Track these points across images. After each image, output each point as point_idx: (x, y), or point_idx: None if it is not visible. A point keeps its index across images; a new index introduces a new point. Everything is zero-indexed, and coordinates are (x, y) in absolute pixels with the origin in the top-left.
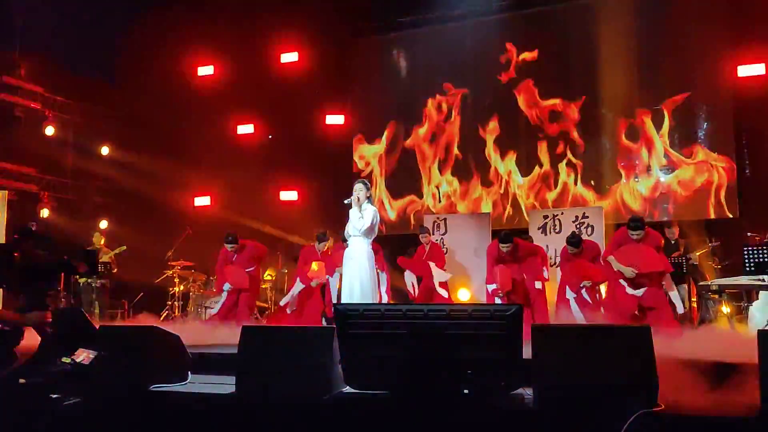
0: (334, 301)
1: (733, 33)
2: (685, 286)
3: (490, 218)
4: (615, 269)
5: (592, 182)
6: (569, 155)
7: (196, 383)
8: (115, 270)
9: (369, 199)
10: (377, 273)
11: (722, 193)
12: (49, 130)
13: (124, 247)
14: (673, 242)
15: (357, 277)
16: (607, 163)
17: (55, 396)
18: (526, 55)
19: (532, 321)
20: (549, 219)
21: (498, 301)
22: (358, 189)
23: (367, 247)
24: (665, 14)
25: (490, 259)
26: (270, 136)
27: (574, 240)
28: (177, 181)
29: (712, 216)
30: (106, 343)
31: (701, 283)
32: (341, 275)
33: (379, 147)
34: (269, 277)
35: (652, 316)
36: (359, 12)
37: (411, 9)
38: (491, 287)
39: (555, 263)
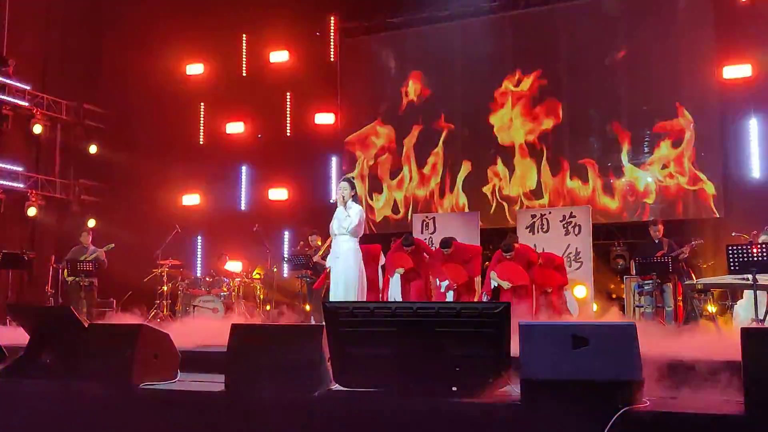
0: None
1: (719, 34)
2: (670, 284)
3: (479, 217)
4: (495, 283)
5: (580, 182)
6: (556, 154)
7: (186, 381)
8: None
9: (354, 197)
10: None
11: (708, 193)
12: (37, 129)
13: (112, 245)
14: (657, 241)
15: (342, 276)
16: (595, 162)
17: None
18: (515, 56)
19: None
20: (537, 218)
21: (450, 295)
22: (344, 188)
23: (353, 246)
24: (651, 16)
25: (438, 261)
26: (259, 135)
27: (506, 245)
28: (165, 180)
29: (698, 216)
30: (94, 340)
31: (687, 282)
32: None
33: (369, 146)
34: (258, 276)
35: None
36: (349, 12)
37: (401, 9)
38: (444, 284)
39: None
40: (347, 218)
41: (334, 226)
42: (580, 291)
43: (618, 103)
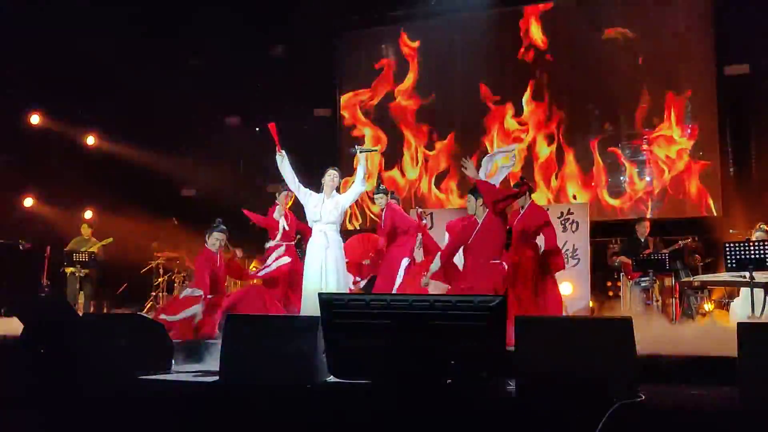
0: None
1: (718, 32)
2: (648, 279)
3: None
4: None
5: (577, 179)
6: (554, 150)
7: (180, 372)
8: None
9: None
10: None
11: (706, 192)
12: (34, 119)
13: (111, 240)
14: (643, 240)
15: (333, 266)
16: (593, 159)
17: None
18: (515, 51)
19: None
20: None
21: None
22: (334, 175)
23: (339, 236)
24: (650, 14)
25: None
26: (257, 129)
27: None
28: (163, 172)
29: (697, 214)
30: (88, 331)
31: (683, 279)
32: None
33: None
34: (253, 269)
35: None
36: (348, 4)
37: (400, 3)
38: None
39: None
40: (357, 186)
41: (323, 215)
42: (566, 288)
43: (617, 100)
